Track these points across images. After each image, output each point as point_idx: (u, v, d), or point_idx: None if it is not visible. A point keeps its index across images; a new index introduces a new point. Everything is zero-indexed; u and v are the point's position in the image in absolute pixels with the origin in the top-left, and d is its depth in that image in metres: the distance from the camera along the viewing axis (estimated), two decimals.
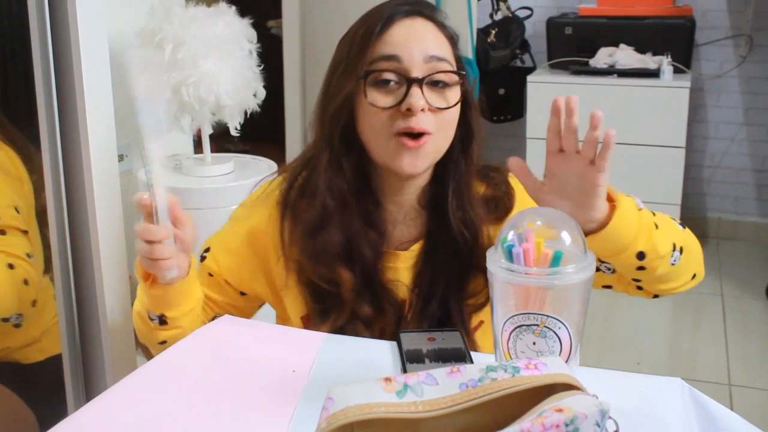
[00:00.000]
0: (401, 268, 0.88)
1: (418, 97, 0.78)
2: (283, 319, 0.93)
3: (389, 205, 0.88)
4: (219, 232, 0.94)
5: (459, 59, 0.85)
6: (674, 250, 0.80)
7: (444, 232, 0.86)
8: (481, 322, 0.88)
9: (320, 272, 0.84)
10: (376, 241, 0.85)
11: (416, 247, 0.88)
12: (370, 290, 0.85)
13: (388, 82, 0.80)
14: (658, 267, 0.78)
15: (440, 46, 0.82)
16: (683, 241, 0.82)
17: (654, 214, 0.79)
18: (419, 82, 0.79)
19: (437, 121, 0.80)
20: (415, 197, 0.88)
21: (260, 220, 0.90)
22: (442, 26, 0.84)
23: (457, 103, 0.81)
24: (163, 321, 0.83)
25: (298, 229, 0.86)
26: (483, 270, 0.85)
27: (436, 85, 0.81)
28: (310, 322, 0.87)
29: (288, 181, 0.89)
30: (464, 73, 0.83)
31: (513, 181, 0.90)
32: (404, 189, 0.86)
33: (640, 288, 0.84)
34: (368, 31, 0.81)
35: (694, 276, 0.86)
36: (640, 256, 0.76)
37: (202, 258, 0.92)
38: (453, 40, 0.85)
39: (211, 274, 0.92)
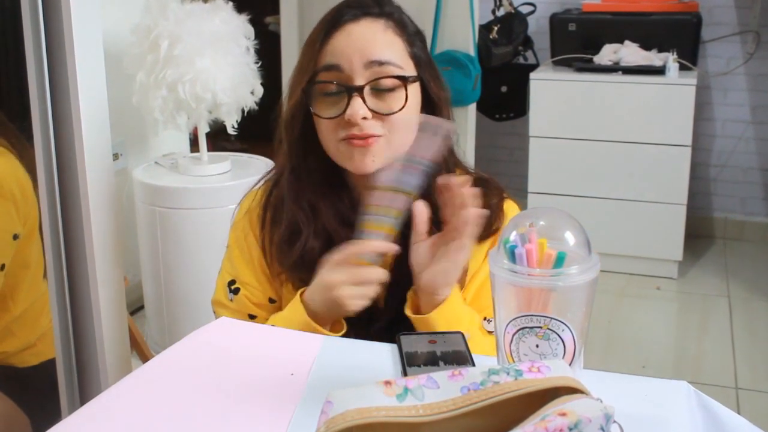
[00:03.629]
0: None
1: (358, 107, 0.79)
2: None
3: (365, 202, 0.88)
4: (229, 262, 0.93)
5: (416, 56, 0.84)
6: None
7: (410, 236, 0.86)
8: None
9: (304, 279, 0.84)
10: (353, 240, 0.85)
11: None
12: None
13: (331, 91, 0.81)
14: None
15: (385, 49, 0.81)
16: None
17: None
18: (359, 91, 0.79)
19: (385, 124, 0.81)
20: None
21: (245, 221, 0.91)
22: (396, 24, 0.83)
23: (402, 108, 0.81)
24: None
25: (274, 242, 0.87)
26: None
27: (383, 88, 0.81)
28: None
29: (272, 183, 0.90)
30: (408, 76, 0.82)
31: (508, 205, 0.90)
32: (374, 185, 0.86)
33: None
34: (314, 40, 0.82)
35: None
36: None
37: (236, 291, 0.91)
38: (409, 36, 0.84)
39: (254, 303, 0.91)
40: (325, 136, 0.83)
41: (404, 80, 0.81)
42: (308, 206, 0.85)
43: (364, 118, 0.79)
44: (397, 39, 0.82)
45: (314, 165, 0.85)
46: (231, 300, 0.91)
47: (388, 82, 0.80)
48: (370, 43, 0.80)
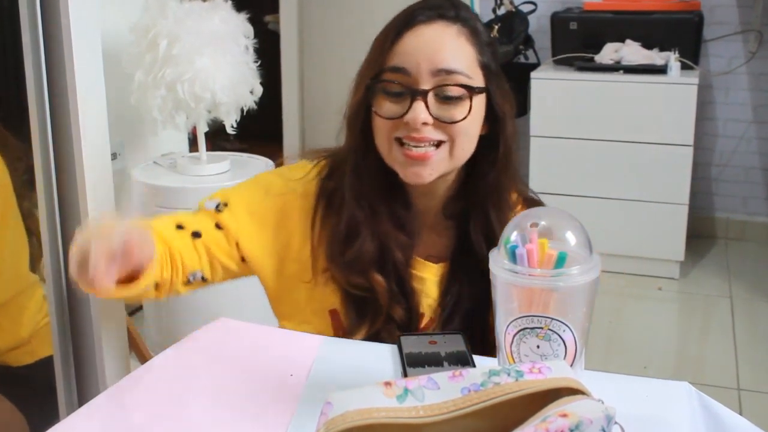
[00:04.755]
0: (429, 280, 0.87)
1: (419, 111, 0.77)
2: (285, 313, 0.90)
3: (418, 206, 0.87)
4: (240, 192, 0.89)
5: (486, 66, 0.81)
6: None
7: (469, 252, 0.85)
8: None
9: (354, 281, 0.83)
10: (407, 244, 0.84)
11: (445, 264, 0.87)
12: (403, 293, 0.84)
13: (395, 91, 0.79)
14: None
15: (455, 56, 0.79)
16: None
17: None
18: (423, 95, 0.78)
19: (445, 132, 0.79)
20: (441, 205, 0.87)
21: (295, 202, 0.87)
22: (470, 30, 0.81)
23: (464, 118, 0.79)
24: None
25: (326, 236, 0.85)
26: None
27: (448, 96, 0.78)
28: (339, 319, 0.86)
29: (326, 173, 0.88)
30: (475, 87, 0.79)
31: None
32: (427, 191, 0.85)
33: None
34: (384, 38, 0.81)
35: None
36: None
37: (218, 209, 0.87)
38: (481, 45, 0.82)
39: (219, 227, 0.86)
40: (380, 135, 0.81)
41: (471, 90, 0.79)
42: (369, 207, 0.83)
43: (425, 123, 0.77)
44: (469, 47, 0.80)
45: (373, 165, 0.83)
46: (180, 227, 0.84)
47: (454, 91, 0.78)
48: (441, 48, 0.78)
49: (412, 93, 0.78)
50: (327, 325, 0.85)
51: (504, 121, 0.83)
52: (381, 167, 0.83)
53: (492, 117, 0.83)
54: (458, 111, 0.78)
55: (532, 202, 0.90)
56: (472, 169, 0.85)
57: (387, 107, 0.79)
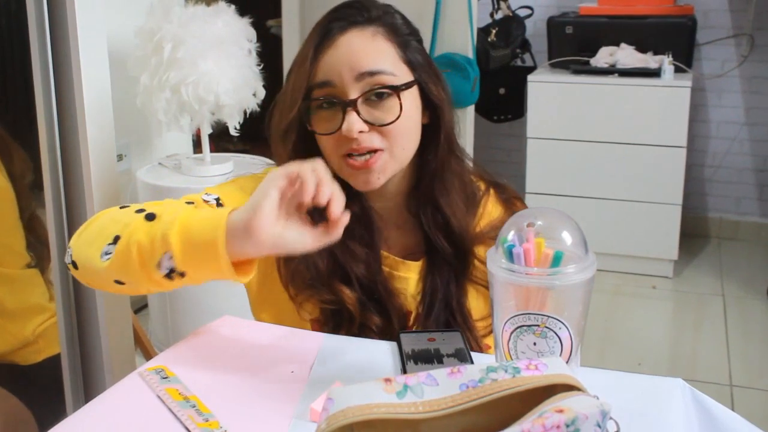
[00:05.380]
0: (411, 278, 0.86)
1: (353, 121, 0.77)
2: (264, 320, 0.88)
3: (376, 209, 0.86)
4: (225, 190, 0.85)
5: (410, 60, 0.81)
6: None
7: (433, 244, 0.85)
8: (488, 347, 0.87)
9: (321, 297, 0.82)
10: (366, 256, 0.83)
11: (425, 259, 0.86)
12: (375, 301, 0.84)
13: (326, 106, 0.79)
14: None
15: (375, 58, 0.79)
16: None
17: None
18: (352, 104, 0.78)
19: (384, 136, 0.79)
20: (402, 203, 0.86)
21: None
22: (386, 28, 0.80)
23: (396, 119, 0.79)
24: (173, 277, 0.70)
25: (281, 260, 0.83)
26: (486, 288, 0.82)
27: (377, 98, 0.78)
28: (321, 327, 0.85)
29: None
30: (400, 84, 0.79)
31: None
32: (380, 194, 0.85)
33: None
34: (305, 56, 0.80)
35: None
36: None
37: (219, 204, 0.83)
38: (401, 39, 0.81)
39: None
40: (328, 153, 0.80)
41: (396, 89, 0.79)
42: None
43: (361, 131, 0.78)
44: (388, 45, 0.80)
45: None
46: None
47: (381, 92, 0.78)
48: (359, 54, 0.78)
49: (342, 105, 0.78)
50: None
51: (441, 108, 0.82)
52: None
53: (429, 106, 0.82)
54: (389, 112, 0.78)
55: (500, 187, 0.90)
56: (423, 162, 0.84)
57: (323, 124, 0.79)
